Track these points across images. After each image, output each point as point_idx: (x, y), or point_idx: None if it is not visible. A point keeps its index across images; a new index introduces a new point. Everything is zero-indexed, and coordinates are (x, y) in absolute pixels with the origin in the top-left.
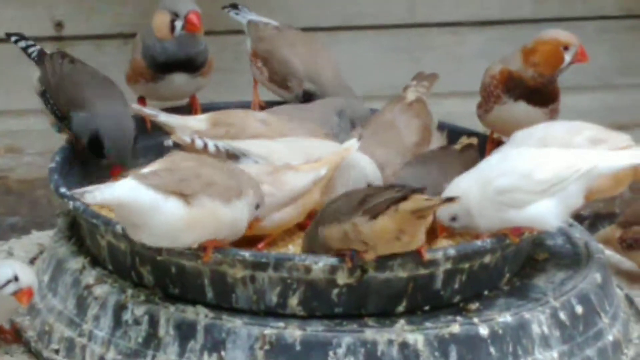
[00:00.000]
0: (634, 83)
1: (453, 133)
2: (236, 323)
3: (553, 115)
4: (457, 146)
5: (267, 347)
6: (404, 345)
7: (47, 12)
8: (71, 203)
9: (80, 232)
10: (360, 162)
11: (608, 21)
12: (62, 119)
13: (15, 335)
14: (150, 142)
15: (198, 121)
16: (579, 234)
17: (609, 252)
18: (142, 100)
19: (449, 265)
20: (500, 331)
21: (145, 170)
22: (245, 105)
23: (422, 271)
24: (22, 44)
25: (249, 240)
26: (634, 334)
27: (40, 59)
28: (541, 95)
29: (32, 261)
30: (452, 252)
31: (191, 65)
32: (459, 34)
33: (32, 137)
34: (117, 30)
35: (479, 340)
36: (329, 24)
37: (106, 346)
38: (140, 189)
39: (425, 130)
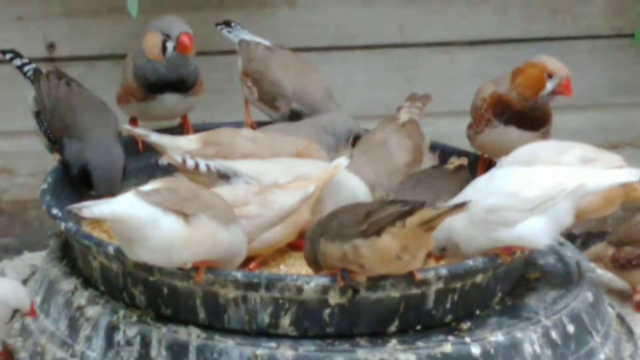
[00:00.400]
0: (625, 102)
1: (445, 153)
2: (228, 343)
3: (545, 139)
4: (450, 166)
5: None
6: None
7: (40, 34)
8: (63, 224)
9: (73, 253)
10: (350, 181)
11: (599, 40)
12: (54, 143)
13: (7, 357)
14: (142, 163)
15: (189, 141)
16: (571, 253)
17: (600, 271)
18: (134, 121)
19: (440, 285)
20: (492, 350)
21: (147, 187)
22: (238, 126)
23: (414, 291)
24: (17, 62)
25: None
26: (625, 352)
27: (35, 77)
28: (531, 119)
29: (24, 282)
30: (443, 271)
31: (182, 85)
32: (451, 53)
33: (24, 158)
34: (109, 51)
35: (471, 359)
36: (321, 44)
37: None
38: (140, 204)
39: (417, 150)
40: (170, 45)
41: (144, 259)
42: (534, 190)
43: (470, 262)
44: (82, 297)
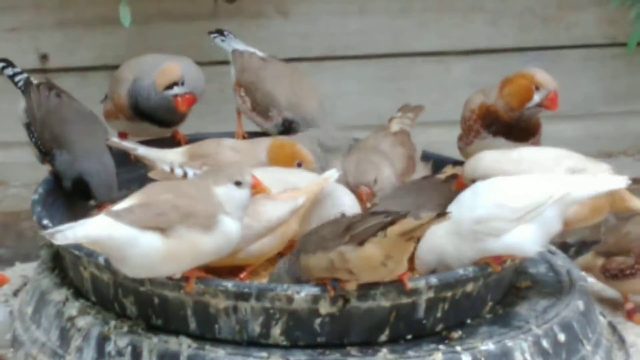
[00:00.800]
0: (618, 111)
1: (438, 163)
2: (219, 353)
3: None
4: (442, 176)
5: None
6: None
7: (32, 45)
8: None
9: (64, 263)
10: (337, 192)
11: (592, 49)
12: (45, 154)
13: None
14: (133, 174)
15: (176, 154)
16: (562, 261)
17: (591, 280)
18: (123, 135)
19: (431, 294)
20: (483, 359)
21: (120, 206)
22: (231, 136)
23: (405, 300)
24: (9, 71)
25: (230, 271)
26: None
27: (26, 88)
28: (519, 130)
29: (15, 293)
30: (434, 280)
31: (166, 124)
32: (444, 63)
33: (17, 169)
34: (102, 62)
35: None
36: (314, 54)
37: None
38: (115, 225)
39: (409, 159)
40: (177, 89)
41: (130, 275)
42: (521, 200)
43: (461, 271)
44: (73, 308)
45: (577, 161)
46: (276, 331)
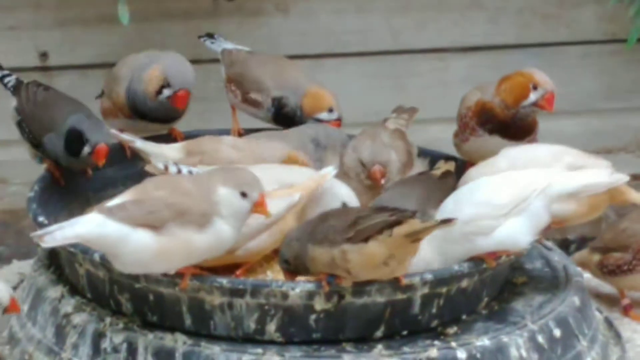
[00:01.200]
0: (618, 107)
1: (433, 159)
2: (214, 350)
3: None
4: (436, 172)
5: None
6: None
7: (32, 43)
8: None
9: (59, 261)
10: (335, 188)
11: (592, 46)
12: (37, 146)
13: None
14: (129, 170)
15: (173, 150)
16: (558, 257)
17: (587, 275)
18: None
19: (426, 290)
20: (479, 355)
21: (112, 202)
22: (228, 133)
23: (400, 296)
24: None
25: (227, 267)
26: (613, 356)
27: (16, 88)
28: (515, 129)
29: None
30: (429, 276)
31: (167, 121)
32: (444, 60)
33: (17, 167)
34: (101, 60)
35: None
36: (314, 52)
37: None
38: (107, 223)
39: (408, 153)
40: (166, 92)
41: (124, 271)
42: (505, 196)
43: (456, 267)
44: (68, 305)
45: (576, 157)
46: (271, 327)
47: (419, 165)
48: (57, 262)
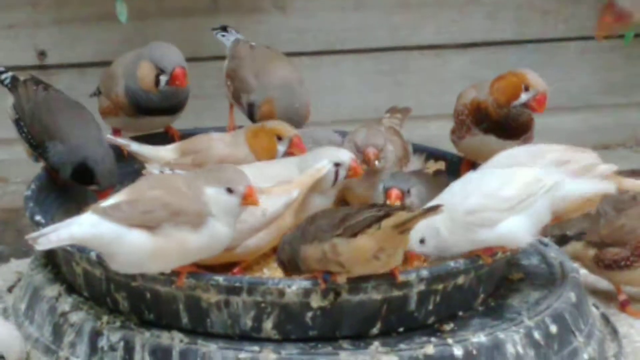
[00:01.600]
0: (616, 103)
1: (429, 156)
2: (211, 347)
3: None
4: (428, 171)
5: None
6: None
7: (30, 42)
8: None
9: (57, 259)
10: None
11: (590, 42)
12: (36, 148)
13: None
14: (128, 169)
15: (168, 151)
16: (554, 253)
17: (584, 271)
18: (117, 131)
19: (422, 287)
20: (475, 351)
21: (108, 202)
22: (224, 131)
23: (396, 293)
24: None
25: (224, 266)
26: (609, 352)
27: (13, 85)
28: (509, 128)
29: (10, 289)
30: (425, 273)
31: (174, 110)
32: (441, 56)
33: (17, 166)
34: (100, 58)
35: None
36: (312, 49)
37: None
38: (102, 223)
39: (404, 149)
40: (163, 79)
41: (120, 271)
42: (512, 190)
43: (452, 264)
44: (66, 303)
45: (561, 153)
46: (268, 325)
47: (415, 162)
48: (54, 260)
